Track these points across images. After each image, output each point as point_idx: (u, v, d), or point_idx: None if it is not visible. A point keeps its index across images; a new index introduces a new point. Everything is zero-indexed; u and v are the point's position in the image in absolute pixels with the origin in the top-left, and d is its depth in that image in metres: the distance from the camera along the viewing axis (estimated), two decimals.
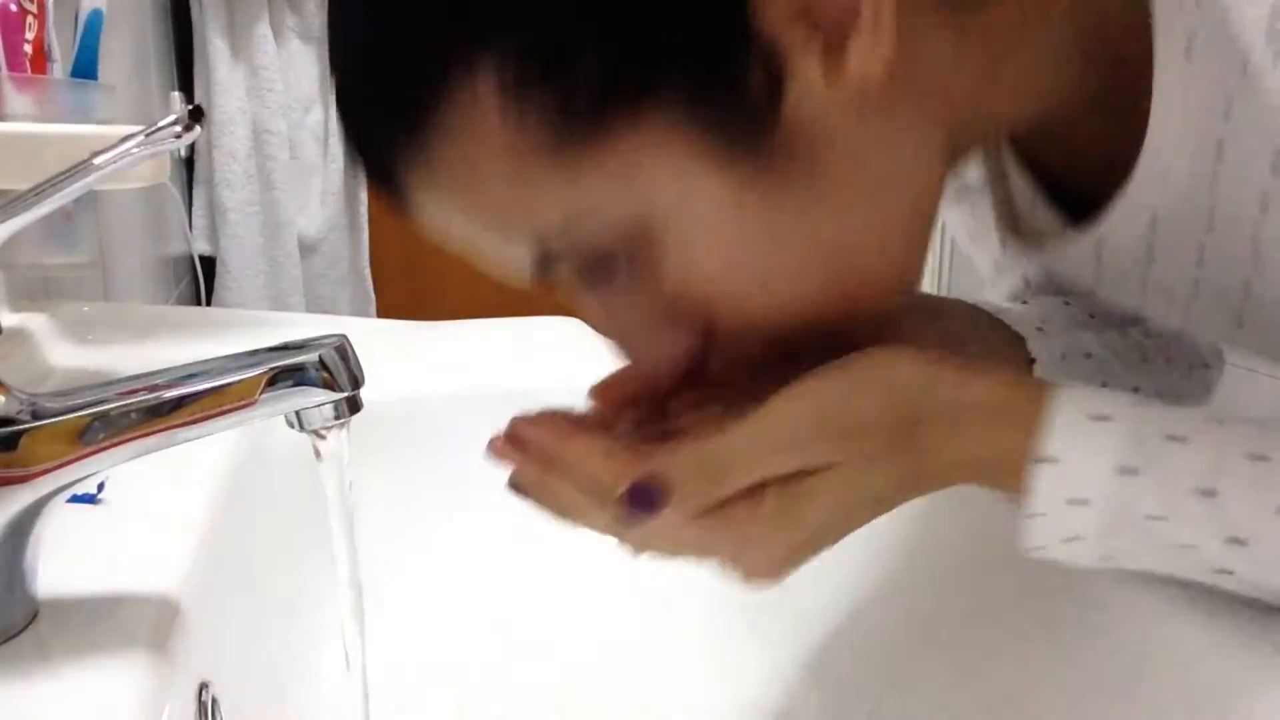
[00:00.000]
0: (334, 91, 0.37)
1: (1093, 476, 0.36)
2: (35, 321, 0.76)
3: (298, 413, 0.39)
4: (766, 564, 0.39)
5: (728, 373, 0.41)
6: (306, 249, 2.03)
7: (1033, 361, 0.53)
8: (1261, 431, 0.36)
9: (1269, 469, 0.35)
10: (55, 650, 0.36)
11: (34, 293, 0.86)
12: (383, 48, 0.35)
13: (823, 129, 0.35)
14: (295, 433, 0.39)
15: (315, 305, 2.07)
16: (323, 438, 0.40)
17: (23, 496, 0.36)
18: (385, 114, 0.36)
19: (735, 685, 0.65)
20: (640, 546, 0.39)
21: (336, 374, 0.38)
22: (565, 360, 0.81)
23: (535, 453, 0.39)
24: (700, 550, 0.39)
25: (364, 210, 2.12)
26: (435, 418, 0.72)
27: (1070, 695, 0.48)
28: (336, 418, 0.39)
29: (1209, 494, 0.35)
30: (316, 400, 0.38)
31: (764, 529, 0.37)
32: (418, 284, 2.32)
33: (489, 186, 0.35)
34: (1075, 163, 0.45)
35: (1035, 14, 0.38)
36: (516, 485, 0.41)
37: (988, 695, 0.52)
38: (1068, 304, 0.57)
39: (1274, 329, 0.44)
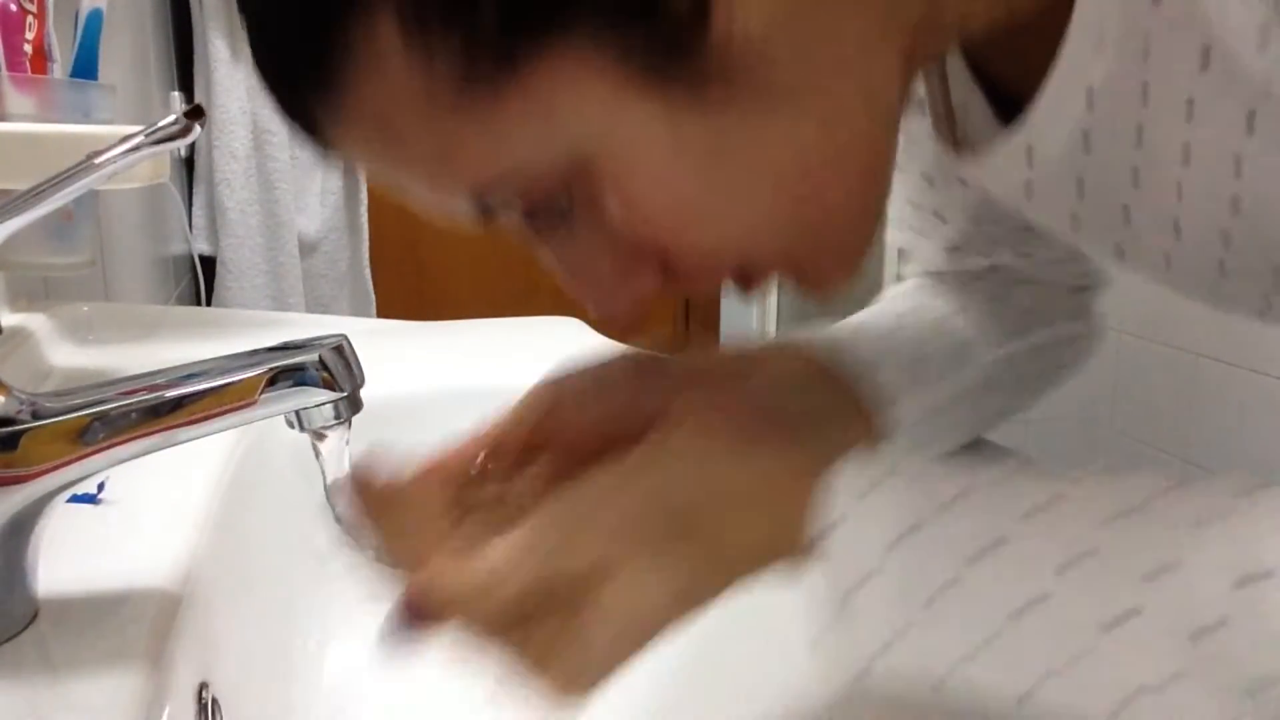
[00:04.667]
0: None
1: (870, 548, 0.34)
2: (35, 321, 0.76)
3: (298, 412, 0.39)
4: (565, 682, 0.36)
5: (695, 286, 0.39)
6: (306, 249, 2.03)
7: (872, 418, 0.50)
8: (1045, 482, 0.34)
9: (1053, 518, 0.33)
10: (55, 650, 0.36)
11: (34, 293, 0.86)
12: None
13: (759, 41, 0.32)
14: (295, 432, 0.39)
15: (315, 305, 2.07)
16: (323, 437, 0.40)
17: (23, 496, 0.36)
18: (292, 67, 0.33)
19: (736, 686, 0.65)
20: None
21: (336, 374, 0.38)
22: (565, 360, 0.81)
23: (360, 489, 0.38)
24: (501, 657, 0.36)
25: (364, 210, 2.12)
26: (435, 418, 0.72)
27: None
28: (336, 417, 0.39)
29: (999, 544, 0.33)
30: (316, 400, 0.38)
31: (552, 646, 0.35)
32: (418, 284, 2.33)
33: (407, 139, 0.33)
34: (1022, 72, 0.42)
35: None
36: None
37: None
38: (954, 315, 0.55)
39: (1208, 256, 0.41)
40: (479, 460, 0.41)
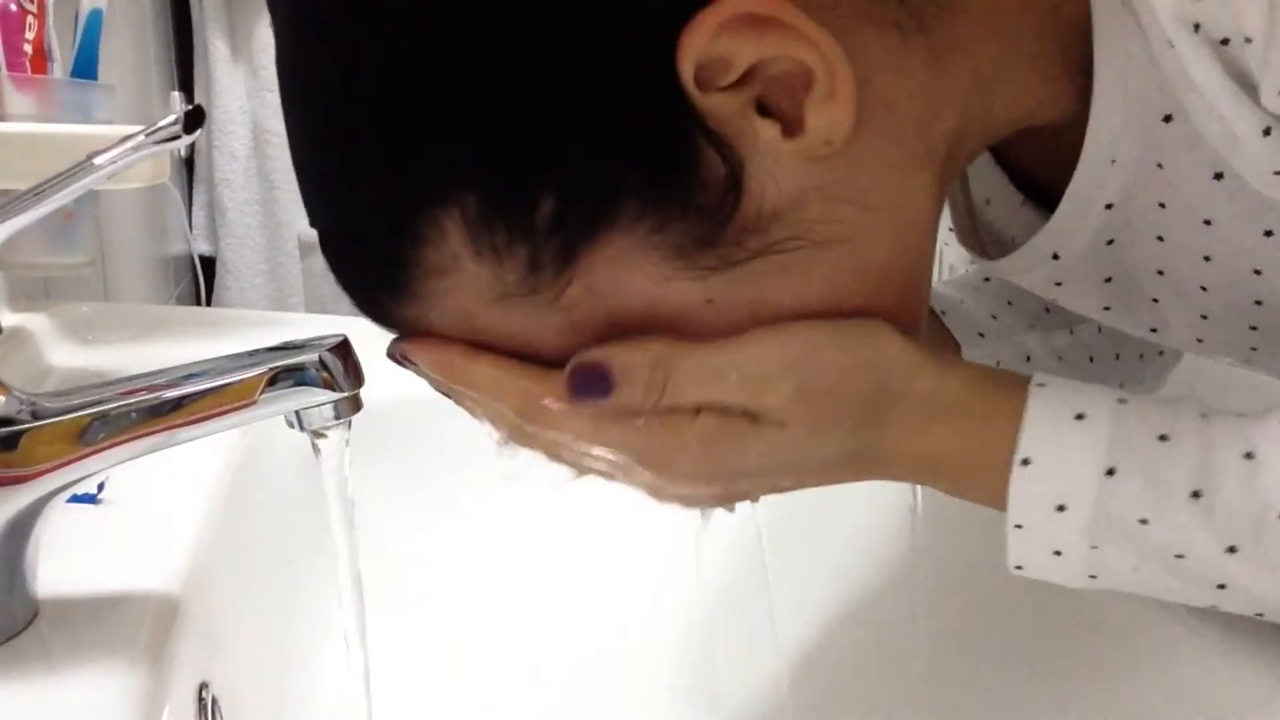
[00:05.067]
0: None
1: (1074, 479, 0.36)
2: (35, 321, 0.76)
3: (298, 413, 0.39)
4: (679, 488, 0.38)
5: None
6: (306, 249, 2.03)
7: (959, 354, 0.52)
8: (1249, 425, 0.35)
9: (1257, 467, 0.34)
10: (55, 650, 0.36)
11: (34, 293, 0.86)
12: (351, 216, 0.35)
13: (791, 208, 0.34)
14: (295, 433, 0.39)
15: (315, 305, 2.07)
16: (323, 437, 0.40)
17: (23, 496, 0.36)
18: (369, 278, 0.36)
19: (736, 684, 0.65)
20: (550, 447, 0.39)
21: (336, 374, 0.38)
22: None
23: (436, 370, 0.38)
24: (618, 447, 0.38)
25: None
26: (435, 418, 0.71)
27: (1071, 708, 0.48)
28: (336, 418, 0.39)
29: (1197, 495, 0.35)
30: (316, 400, 0.38)
31: (690, 453, 0.37)
32: None
33: (483, 329, 0.36)
34: (1048, 163, 0.43)
35: (1005, 33, 0.37)
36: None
37: (987, 707, 0.52)
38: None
39: (1238, 339, 0.43)
40: None
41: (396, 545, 0.68)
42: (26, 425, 0.35)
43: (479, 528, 0.72)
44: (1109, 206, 0.39)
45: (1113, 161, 0.38)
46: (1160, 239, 0.40)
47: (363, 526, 0.43)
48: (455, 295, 0.35)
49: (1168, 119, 0.36)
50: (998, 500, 0.37)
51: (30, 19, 0.70)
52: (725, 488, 0.39)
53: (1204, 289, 0.41)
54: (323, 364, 0.37)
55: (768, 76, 0.32)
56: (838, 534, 0.66)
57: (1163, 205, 0.39)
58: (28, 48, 0.69)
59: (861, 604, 0.63)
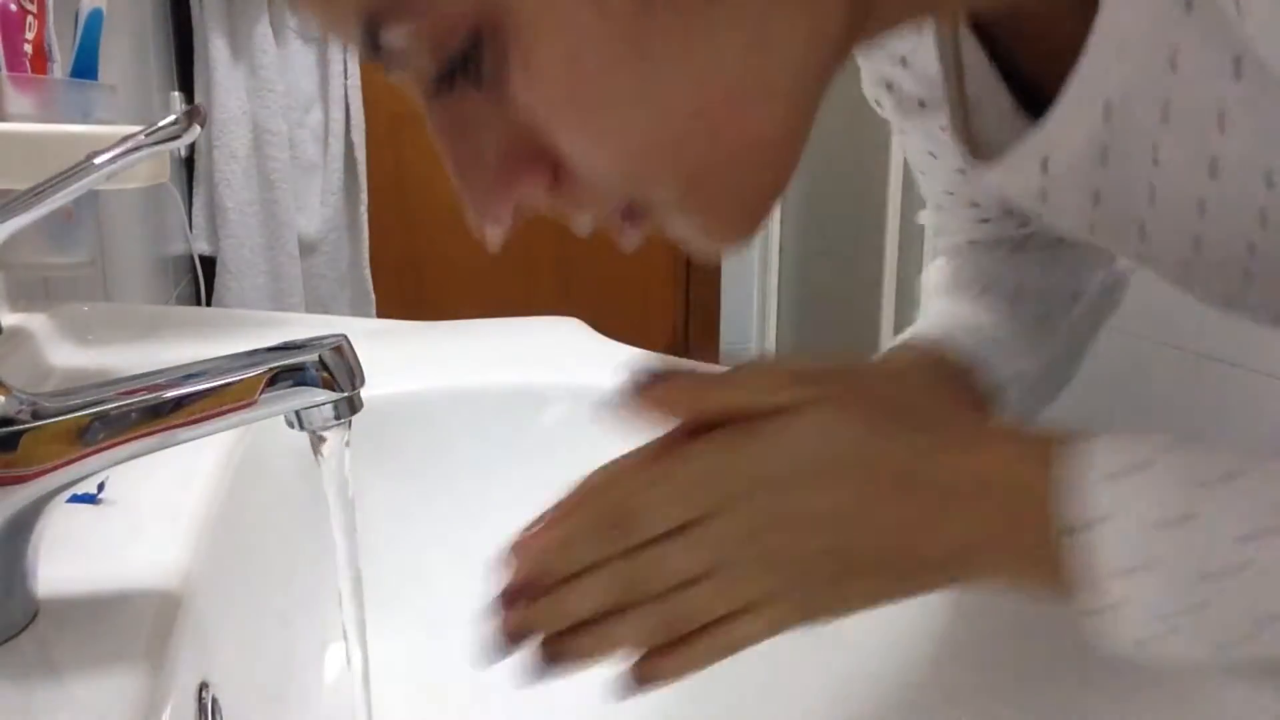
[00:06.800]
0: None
1: (1143, 533, 0.32)
2: (35, 321, 0.76)
3: (298, 413, 0.39)
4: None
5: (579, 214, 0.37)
6: (306, 249, 2.04)
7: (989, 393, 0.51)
8: None
9: None
10: (55, 650, 0.36)
11: (34, 293, 0.86)
12: None
13: None
14: (295, 432, 0.39)
15: (315, 305, 2.07)
16: (323, 438, 0.40)
17: (23, 496, 0.36)
18: None
19: (740, 699, 0.65)
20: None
21: (336, 374, 0.38)
22: (565, 360, 0.81)
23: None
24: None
25: (364, 210, 2.12)
26: (435, 418, 0.72)
27: None
28: (336, 418, 0.39)
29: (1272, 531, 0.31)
30: (316, 400, 0.38)
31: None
32: (418, 284, 2.32)
33: None
34: (1044, 66, 0.41)
35: None
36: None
37: None
38: (1011, 306, 0.55)
39: (1231, 267, 0.41)
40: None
41: (396, 545, 0.68)
42: (26, 425, 0.35)
43: (479, 528, 0.72)
44: (1108, 109, 0.37)
45: (1120, 50, 0.35)
46: (1156, 153, 0.38)
47: (362, 526, 0.43)
48: None
49: (1189, 5, 0.33)
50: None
51: (30, 19, 0.70)
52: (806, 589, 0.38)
53: (1203, 209, 0.38)
54: (323, 364, 0.37)
55: None
56: None
57: (1166, 113, 0.36)
58: (28, 48, 0.69)
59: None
